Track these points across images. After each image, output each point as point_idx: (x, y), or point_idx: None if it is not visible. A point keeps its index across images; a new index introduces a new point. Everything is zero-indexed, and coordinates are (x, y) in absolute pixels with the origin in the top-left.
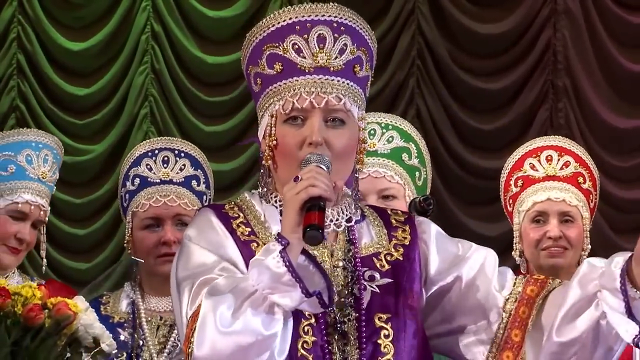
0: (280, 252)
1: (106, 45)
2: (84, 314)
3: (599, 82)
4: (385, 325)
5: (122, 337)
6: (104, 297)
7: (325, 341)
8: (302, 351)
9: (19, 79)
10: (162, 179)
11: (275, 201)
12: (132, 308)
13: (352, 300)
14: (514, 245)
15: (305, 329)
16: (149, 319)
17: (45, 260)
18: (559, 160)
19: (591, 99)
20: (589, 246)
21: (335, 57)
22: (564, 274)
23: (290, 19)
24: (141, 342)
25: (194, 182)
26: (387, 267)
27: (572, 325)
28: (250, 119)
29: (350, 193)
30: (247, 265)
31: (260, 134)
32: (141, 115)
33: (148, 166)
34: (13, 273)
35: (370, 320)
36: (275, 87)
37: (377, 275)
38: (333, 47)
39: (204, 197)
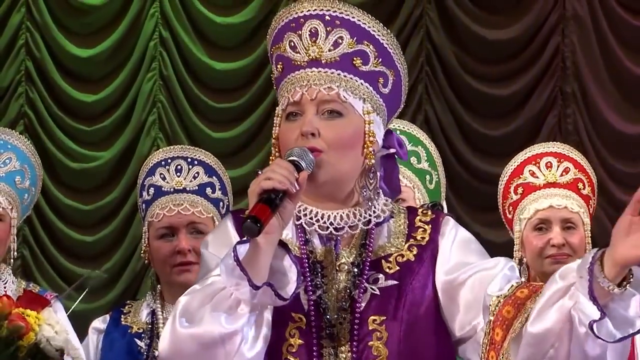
0: (235, 245)
1: (114, 52)
2: (46, 326)
3: (608, 87)
4: (379, 328)
5: (138, 347)
6: (126, 307)
7: (315, 344)
8: (286, 354)
9: (27, 86)
10: (176, 187)
11: None
12: (152, 318)
13: (348, 304)
14: (514, 252)
15: (292, 332)
16: None
17: (14, 256)
18: (558, 166)
19: (600, 104)
20: None
21: (329, 50)
22: None
23: (287, 17)
24: (157, 353)
25: (208, 190)
26: (394, 269)
27: (545, 315)
28: (259, 125)
29: (371, 194)
30: None
31: None
32: (149, 121)
33: (162, 175)
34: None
35: (363, 322)
36: (280, 88)
37: (382, 278)
38: (326, 39)
39: (221, 203)
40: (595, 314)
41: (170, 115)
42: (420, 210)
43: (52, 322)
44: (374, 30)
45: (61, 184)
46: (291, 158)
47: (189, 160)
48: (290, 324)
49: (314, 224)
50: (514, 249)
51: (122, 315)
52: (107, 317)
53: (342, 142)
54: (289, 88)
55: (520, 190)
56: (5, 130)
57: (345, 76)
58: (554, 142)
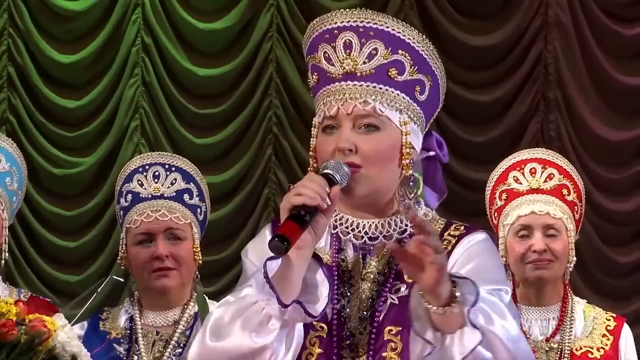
0: (265, 261)
1: (97, 58)
2: (61, 332)
3: (590, 94)
4: (394, 339)
5: (117, 353)
6: (104, 313)
7: (335, 354)
8: None
9: (9, 92)
10: (153, 194)
11: None
12: (130, 323)
13: (369, 314)
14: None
15: (312, 340)
16: (146, 334)
17: (5, 257)
18: (542, 172)
19: (582, 111)
20: (575, 258)
21: (364, 62)
22: (549, 286)
23: (321, 28)
24: (136, 358)
25: (186, 196)
26: None
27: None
28: (242, 131)
29: (410, 203)
30: None
31: None
32: (132, 127)
33: (139, 182)
34: None
35: (380, 332)
36: (316, 98)
37: (403, 287)
38: (360, 52)
39: (198, 210)
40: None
41: (152, 122)
42: (455, 225)
43: (65, 328)
44: (409, 39)
45: (43, 189)
46: (326, 171)
47: (167, 166)
48: (312, 332)
49: (349, 233)
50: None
51: (100, 321)
52: (85, 323)
53: (379, 156)
54: (325, 101)
55: (504, 196)
56: None
57: (381, 88)
58: (540, 149)
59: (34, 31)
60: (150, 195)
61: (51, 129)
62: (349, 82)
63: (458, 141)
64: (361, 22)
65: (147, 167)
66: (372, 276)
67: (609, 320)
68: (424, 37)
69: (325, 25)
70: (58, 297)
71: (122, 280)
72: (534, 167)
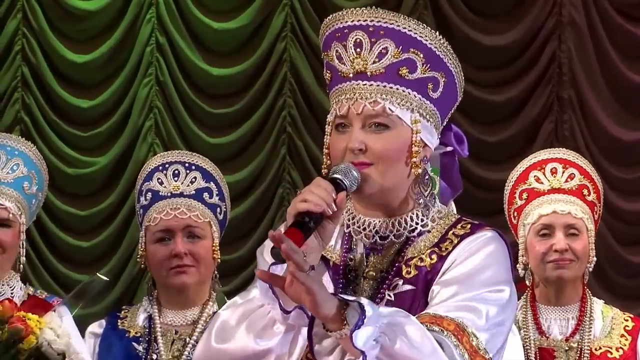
0: (270, 266)
1: (110, 58)
2: (48, 330)
3: (604, 94)
4: None
5: (136, 351)
6: (122, 312)
7: None
8: None
9: (24, 92)
10: (173, 192)
11: None
12: (149, 322)
13: None
14: (519, 257)
15: None
16: (164, 333)
17: (23, 261)
18: (563, 172)
19: (596, 111)
20: (595, 258)
21: (373, 62)
22: (569, 286)
23: (332, 26)
24: (155, 356)
25: (205, 195)
26: (413, 273)
27: None
28: (255, 130)
29: (421, 202)
30: None
31: None
32: (146, 127)
33: (159, 180)
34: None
35: None
36: (330, 96)
37: (400, 283)
38: (370, 51)
39: (218, 209)
40: None
41: (166, 121)
42: (464, 222)
43: (55, 326)
44: (420, 36)
45: (57, 189)
46: (335, 176)
47: (187, 165)
48: None
49: (360, 233)
50: (519, 254)
51: (118, 320)
52: (103, 321)
53: (389, 155)
54: (337, 100)
55: (525, 195)
56: (12, 137)
57: (391, 88)
58: (560, 148)
59: (47, 31)
60: (169, 194)
61: (65, 128)
62: (359, 81)
63: (471, 141)
64: (371, 21)
65: (167, 165)
66: (373, 274)
67: (627, 320)
68: (437, 34)
69: (336, 24)
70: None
71: (107, 279)
72: (554, 167)
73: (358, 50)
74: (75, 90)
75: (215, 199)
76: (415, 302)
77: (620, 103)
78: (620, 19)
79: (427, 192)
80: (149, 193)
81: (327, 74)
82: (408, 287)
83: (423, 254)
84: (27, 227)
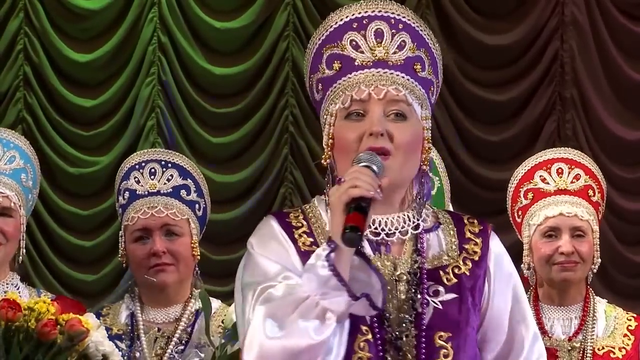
0: (326, 256)
1: (113, 57)
2: (95, 332)
3: (607, 93)
4: (445, 344)
5: (120, 349)
6: (104, 309)
7: (381, 357)
8: None
9: (26, 91)
10: (150, 190)
11: None
12: (131, 320)
13: (413, 316)
14: (524, 257)
15: (361, 344)
16: (147, 330)
17: (23, 254)
18: (569, 173)
19: (598, 110)
20: (599, 260)
21: (394, 52)
22: (574, 287)
23: (347, 17)
24: (138, 354)
25: (183, 192)
26: (453, 280)
27: None
28: (258, 130)
29: (424, 199)
30: None
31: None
32: (148, 126)
33: (136, 179)
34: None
35: (430, 339)
36: (335, 87)
37: (442, 290)
38: (391, 41)
39: (196, 205)
40: None
41: (168, 121)
42: (466, 218)
43: (99, 329)
44: (428, 39)
45: (59, 189)
46: (364, 164)
47: (163, 163)
48: (359, 336)
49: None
50: (524, 254)
51: (100, 317)
52: None
53: (408, 145)
54: (352, 86)
55: (530, 195)
56: (6, 130)
57: (408, 80)
58: (566, 148)
59: (50, 30)
60: (146, 192)
61: (67, 128)
62: (379, 69)
63: (474, 140)
64: (392, 13)
65: (143, 164)
66: (405, 277)
67: (630, 320)
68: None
69: (353, 14)
70: (74, 296)
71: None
72: (560, 167)
73: (379, 39)
74: (78, 90)
75: (194, 196)
76: (463, 310)
77: (622, 102)
78: (623, 19)
79: (425, 190)
80: (127, 192)
81: (336, 64)
82: (452, 295)
83: (456, 260)
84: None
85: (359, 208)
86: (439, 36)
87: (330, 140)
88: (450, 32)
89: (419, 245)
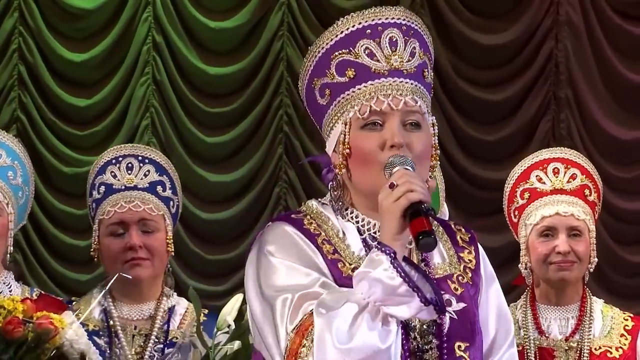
0: (391, 262)
1: (107, 57)
2: (69, 329)
3: (601, 93)
4: (464, 355)
5: (99, 345)
6: (73, 304)
7: None
8: None
9: (20, 90)
10: (127, 185)
11: (352, 218)
12: (105, 316)
13: (434, 327)
14: (521, 257)
15: None
16: (124, 327)
17: (10, 251)
18: (565, 172)
19: (593, 110)
20: (596, 259)
21: (408, 60)
22: (570, 287)
23: (359, 23)
24: (118, 352)
25: (159, 188)
26: (460, 290)
27: None
28: (252, 130)
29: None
30: (338, 285)
31: (331, 146)
32: (142, 126)
33: (112, 173)
34: (5, 278)
35: (451, 349)
36: (348, 95)
37: (454, 300)
38: (404, 49)
39: (171, 202)
40: None
41: (163, 120)
42: (453, 225)
43: (74, 326)
44: (430, 43)
45: (54, 188)
46: (398, 168)
47: (140, 158)
48: None
49: (376, 238)
50: (521, 254)
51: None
52: None
53: (424, 154)
54: (369, 96)
55: (526, 195)
56: None
57: (419, 88)
58: (562, 148)
59: (44, 30)
60: (123, 187)
61: (62, 127)
62: (395, 78)
63: (469, 140)
64: (404, 20)
65: (120, 158)
66: None
67: (627, 320)
68: None
69: (366, 21)
70: (69, 295)
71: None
72: (556, 167)
73: (393, 48)
74: (72, 89)
75: (169, 192)
76: (473, 319)
77: (617, 102)
78: (617, 18)
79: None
80: (102, 186)
81: (350, 72)
82: (462, 304)
83: (458, 269)
84: (21, 224)
85: (423, 212)
86: (434, 36)
87: (347, 150)
88: (444, 31)
89: (424, 255)
